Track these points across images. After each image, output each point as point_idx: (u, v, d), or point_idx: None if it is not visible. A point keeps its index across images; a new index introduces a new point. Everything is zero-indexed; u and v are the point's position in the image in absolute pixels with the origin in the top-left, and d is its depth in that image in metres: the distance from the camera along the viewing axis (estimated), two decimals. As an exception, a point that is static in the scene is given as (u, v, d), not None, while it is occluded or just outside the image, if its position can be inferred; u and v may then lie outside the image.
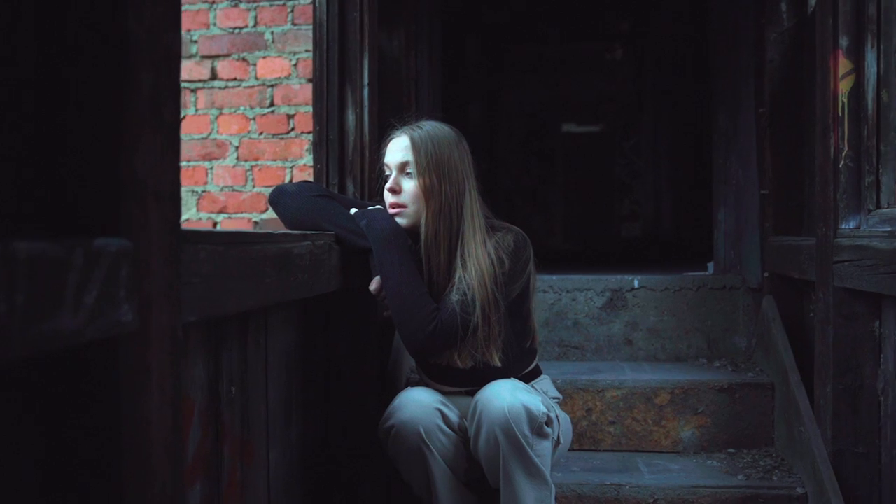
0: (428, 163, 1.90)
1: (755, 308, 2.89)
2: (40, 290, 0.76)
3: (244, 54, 3.26)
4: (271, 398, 1.76)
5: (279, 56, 3.27)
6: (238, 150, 3.30)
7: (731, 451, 2.53)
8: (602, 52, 8.87)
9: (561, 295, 3.05)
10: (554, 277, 3.08)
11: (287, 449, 1.86)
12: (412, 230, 1.95)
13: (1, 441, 0.82)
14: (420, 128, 1.97)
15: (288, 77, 3.26)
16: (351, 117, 2.18)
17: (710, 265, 3.35)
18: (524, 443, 1.82)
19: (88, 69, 0.91)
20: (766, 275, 2.78)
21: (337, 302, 2.09)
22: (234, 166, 3.29)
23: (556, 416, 2.03)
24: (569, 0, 6.72)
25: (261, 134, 3.29)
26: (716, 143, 3.35)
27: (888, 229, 1.85)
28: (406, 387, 2.11)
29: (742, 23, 3.03)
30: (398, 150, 1.96)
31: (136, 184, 0.94)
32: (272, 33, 3.27)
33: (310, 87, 3.18)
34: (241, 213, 3.29)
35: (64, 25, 0.90)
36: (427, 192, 1.90)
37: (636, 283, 3.01)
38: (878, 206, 1.99)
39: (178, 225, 1.05)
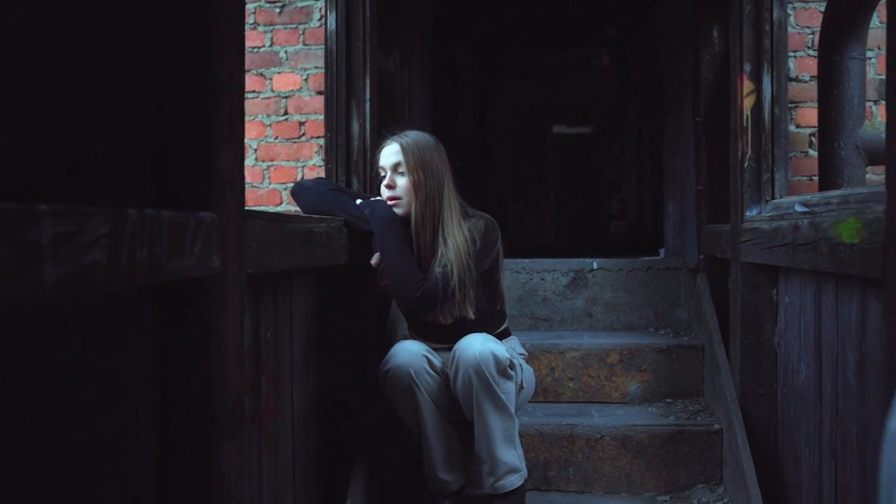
0: (415, 162, 2.36)
1: (693, 285, 3.34)
2: (174, 241, 1.20)
3: (262, 70, 3.71)
4: (295, 345, 2.20)
5: (292, 72, 3.71)
6: (257, 152, 3.74)
7: (669, 400, 2.99)
8: (590, 57, 9.16)
9: (532, 275, 3.51)
10: (526, 261, 3.54)
11: (306, 387, 2.30)
12: (404, 217, 2.41)
13: (134, 341, 1.27)
14: (406, 136, 2.43)
15: (300, 89, 3.71)
16: (356, 126, 2.63)
17: (662, 251, 3.80)
18: (492, 381, 2.27)
19: (189, 99, 1.35)
20: (701, 257, 3.23)
21: (345, 275, 2.53)
22: (253, 166, 3.74)
23: (520, 366, 2.48)
24: (558, 8, 7.03)
25: (276, 138, 3.74)
26: (666, 147, 3.80)
27: (772, 214, 2.30)
28: (400, 343, 2.56)
29: (683, 45, 3.48)
30: (391, 154, 2.42)
31: (220, 177, 1.38)
32: (286, 52, 3.72)
33: (319, 98, 3.63)
34: (259, 205, 3.73)
35: (173, 72, 1.35)
36: (416, 185, 2.36)
37: (595, 265, 3.47)
38: (773, 198, 2.45)
39: (243, 205, 1.50)
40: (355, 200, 2.44)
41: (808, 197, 2.09)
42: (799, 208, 2.00)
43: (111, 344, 1.17)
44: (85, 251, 0.96)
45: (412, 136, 2.43)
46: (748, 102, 2.47)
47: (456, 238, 2.32)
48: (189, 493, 1.36)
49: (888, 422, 0.60)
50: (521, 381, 2.47)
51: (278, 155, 3.75)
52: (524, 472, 2.43)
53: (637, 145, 7.88)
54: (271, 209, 3.78)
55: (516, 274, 3.49)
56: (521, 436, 2.55)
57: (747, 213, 2.48)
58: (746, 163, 2.47)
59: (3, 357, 0.93)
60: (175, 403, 1.34)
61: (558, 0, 6.69)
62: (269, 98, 3.72)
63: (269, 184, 3.76)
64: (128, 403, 1.21)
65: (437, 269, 2.33)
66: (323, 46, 3.39)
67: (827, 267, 1.71)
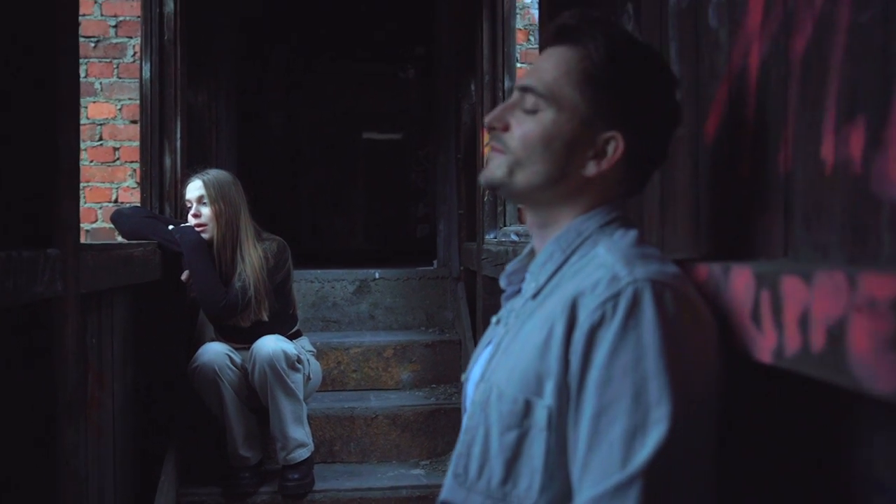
0: (216, 194, 2.79)
1: (456, 291, 3.96)
2: (29, 272, 1.59)
3: (78, 99, 3.94)
4: (115, 349, 2.56)
5: (107, 102, 3.98)
6: (73, 174, 3.98)
7: (434, 385, 3.57)
8: (398, 71, 9.55)
9: (324, 284, 3.99)
10: (318, 271, 4.02)
11: (125, 383, 2.66)
12: (208, 241, 2.83)
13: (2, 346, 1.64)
14: (208, 173, 2.85)
15: (114, 118, 3.98)
16: (168, 161, 3.01)
17: (435, 262, 4.41)
18: (283, 373, 2.74)
19: (39, 164, 1.73)
20: (461, 268, 3.85)
21: (159, 289, 2.90)
22: (69, 186, 3.97)
23: (307, 360, 2.96)
24: (368, 25, 7.39)
25: (91, 162, 3.99)
26: (438, 175, 4.41)
27: (500, 239, 2.93)
28: (207, 344, 2.97)
29: (450, 91, 4.10)
30: (195, 189, 2.83)
31: (62, 221, 1.77)
32: (101, 83, 3.98)
33: (133, 126, 3.92)
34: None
35: (27, 145, 1.72)
36: (217, 214, 2.78)
37: (377, 275, 4.01)
38: (505, 225, 3.08)
39: (79, 241, 1.89)
40: (168, 226, 2.83)
41: (518, 227, 2.72)
42: (513, 237, 2.62)
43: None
44: (-24, 285, 1.35)
45: (213, 173, 2.86)
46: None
47: (252, 257, 2.77)
48: (37, 464, 1.74)
49: None
50: (309, 374, 2.95)
51: (93, 177, 4.00)
52: (311, 446, 2.91)
53: (437, 155, 8.41)
54: (87, 226, 4.03)
55: (310, 283, 3.96)
56: (310, 418, 3.03)
57: (487, 237, 3.10)
58: (486, 197, 3.09)
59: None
60: (25, 394, 1.72)
61: (345, 46, 7.11)
62: (84, 125, 3.96)
63: (85, 203, 4.01)
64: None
65: (237, 283, 2.77)
66: (137, 80, 3.71)
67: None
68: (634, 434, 0.83)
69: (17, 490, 1.70)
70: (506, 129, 1.05)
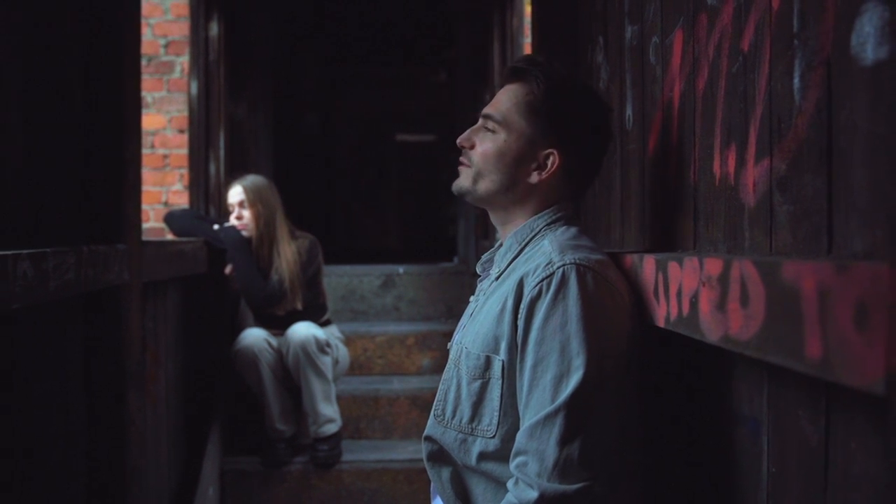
0: (254, 198, 3.09)
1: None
2: (103, 263, 1.89)
3: (132, 111, 4.28)
4: (169, 332, 2.87)
5: (157, 113, 4.30)
6: (127, 178, 4.32)
7: (451, 370, 3.84)
8: (429, 74, 9.77)
9: (352, 279, 4.29)
10: (347, 267, 4.32)
11: (177, 363, 2.97)
12: (248, 239, 3.13)
13: (68, 329, 1.95)
14: (246, 179, 3.15)
15: (164, 128, 4.31)
16: (212, 168, 3.32)
17: (456, 258, 4.68)
18: (314, 356, 3.03)
19: (110, 174, 2.03)
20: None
21: (205, 280, 3.22)
22: (124, 190, 4.31)
23: (336, 346, 3.25)
24: (402, 32, 7.67)
25: (144, 167, 4.32)
26: (458, 178, 4.68)
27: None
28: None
29: (467, 98, 4.37)
30: (236, 194, 3.13)
31: (128, 219, 2.08)
32: (152, 97, 4.30)
33: (181, 136, 4.24)
34: (130, 222, 4.31)
35: (99, 157, 2.03)
36: (256, 216, 3.09)
37: (401, 270, 4.30)
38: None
39: (141, 237, 2.19)
40: (213, 226, 3.14)
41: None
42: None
43: (64, 325, 1.85)
44: (65, 272, 1.65)
45: (250, 178, 3.16)
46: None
47: (286, 253, 3.08)
48: (108, 421, 2.05)
49: None
50: (337, 357, 3.25)
51: (145, 181, 4.32)
52: (339, 422, 3.20)
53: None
54: (142, 226, 4.37)
55: (339, 278, 4.26)
56: (339, 399, 3.31)
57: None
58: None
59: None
60: (98, 364, 2.02)
61: (377, 50, 7.25)
62: (137, 134, 4.30)
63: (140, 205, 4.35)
64: (70, 361, 1.90)
65: (274, 277, 3.07)
66: (184, 93, 4.03)
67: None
68: (560, 379, 1.09)
69: (95, 444, 2.00)
70: (472, 147, 1.32)
